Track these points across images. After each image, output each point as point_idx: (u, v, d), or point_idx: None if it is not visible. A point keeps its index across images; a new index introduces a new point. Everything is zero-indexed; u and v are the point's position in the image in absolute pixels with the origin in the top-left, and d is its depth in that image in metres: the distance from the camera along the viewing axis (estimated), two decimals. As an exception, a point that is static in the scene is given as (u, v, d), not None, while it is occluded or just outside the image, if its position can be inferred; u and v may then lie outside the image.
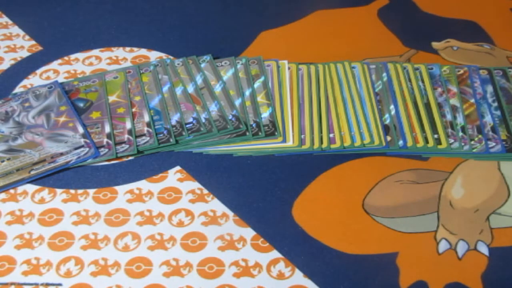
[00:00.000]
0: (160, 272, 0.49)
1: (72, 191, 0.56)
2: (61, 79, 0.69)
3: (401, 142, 0.59)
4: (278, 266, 0.49)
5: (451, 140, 0.59)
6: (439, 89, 0.65)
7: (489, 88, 0.65)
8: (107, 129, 0.60)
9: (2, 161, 0.57)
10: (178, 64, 0.68)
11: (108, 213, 0.54)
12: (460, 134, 0.59)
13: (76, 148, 0.58)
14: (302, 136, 0.60)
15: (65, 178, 0.57)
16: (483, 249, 0.50)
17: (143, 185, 0.56)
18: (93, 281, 0.48)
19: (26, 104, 0.63)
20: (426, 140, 0.59)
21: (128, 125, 0.60)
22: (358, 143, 0.59)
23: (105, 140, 0.59)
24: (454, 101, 0.63)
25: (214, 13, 0.80)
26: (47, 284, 0.48)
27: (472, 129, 0.60)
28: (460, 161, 0.58)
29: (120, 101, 0.63)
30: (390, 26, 0.77)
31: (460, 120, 0.61)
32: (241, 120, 0.61)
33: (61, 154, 0.57)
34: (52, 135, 0.59)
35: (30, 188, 0.56)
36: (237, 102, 0.63)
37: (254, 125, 0.60)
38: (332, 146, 0.59)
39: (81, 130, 0.59)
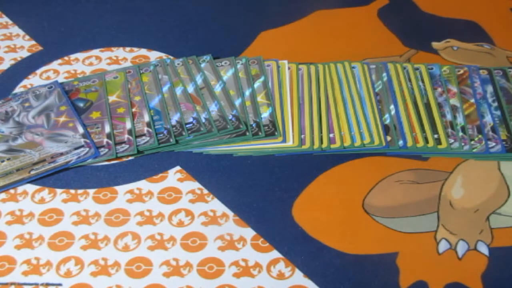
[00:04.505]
0: (160, 272, 0.49)
1: (72, 191, 0.56)
2: (61, 79, 0.69)
3: (401, 142, 0.59)
4: (278, 266, 0.49)
5: (451, 140, 0.59)
6: (439, 89, 0.65)
7: (489, 88, 0.65)
8: (107, 129, 0.60)
9: (2, 161, 0.57)
10: (178, 64, 0.68)
11: (108, 213, 0.54)
12: (460, 134, 0.59)
13: (76, 148, 0.58)
14: (302, 136, 0.60)
15: (65, 178, 0.57)
16: (483, 249, 0.50)
17: (143, 185, 0.56)
18: (93, 281, 0.48)
19: (26, 104, 0.63)
20: (426, 140, 0.59)
21: (128, 125, 0.60)
22: (358, 143, 0.59)
23: (105, 140, 0.59)
24: (454, 101, 0.63)
25: (214, 13, 0.80)
26: (47, 284, 0.48)
27: (472, 129, 0.60)
28: (460, 161, 0.58)
29: (120, 101, 0.63)
30: (390, 26, 0.77)
31: (460, 120, 0.61)
32: (241, 120, 0.61)
33: (61, 154, 0.57)
34: (52, 135, 0.59)
35: (30, 188, 0.56)
36: (237, 102, 0.63)
37: (254, 125, 0.60)
38: (332, 146, 0.59)
39: (81, 130, 0.59)
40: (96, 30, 0.77)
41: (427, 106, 0.62)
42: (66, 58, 0.72)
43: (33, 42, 0.75)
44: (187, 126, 0.60)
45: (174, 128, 0.60)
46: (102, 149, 0.58)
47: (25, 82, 0.69)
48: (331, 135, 0.60)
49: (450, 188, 0.55)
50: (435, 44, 0.73)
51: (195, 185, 0.56)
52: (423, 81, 0.66)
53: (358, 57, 0.70)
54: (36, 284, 0.48)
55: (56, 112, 0.62)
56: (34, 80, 0.69)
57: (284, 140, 0.59)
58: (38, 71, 0.70)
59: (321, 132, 0.60)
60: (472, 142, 0.59)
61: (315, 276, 0.48)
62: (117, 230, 0.52)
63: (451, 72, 0.67)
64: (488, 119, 0.61)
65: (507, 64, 0.69)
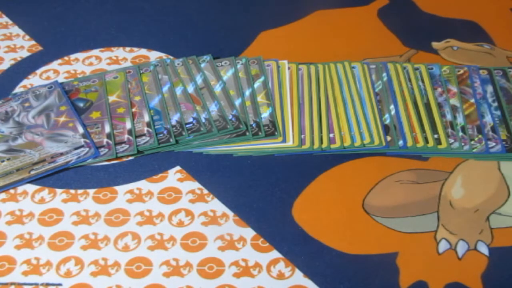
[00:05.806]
0: (160, 272, 0.49)
1: (72, 191, 0.56)
2: (61, 79, 0.69)
3: (401, 142, 0.59)
4: (278, 266, 0.49)
5: (451, 140, 0.59)
6: (439, 89, 0.65)
7: (489, 88, 0.65)
8: (107, 129, 0.60)
9: (2, 161, 0.57)
10: (178, 64, 0.68)
11: (108, 213, 0.54)
12: (460, 134, 0.59)
13: (76, 148, 0.58)
14: (302, 136, 0.60)
15: (65, 178, 0.57)
16: (483, 249, 0.50)
17: (143, 185, 0.56)
18: (93, 281, 0.48)
19: (26, 104, 0.63)
20: (426, 140, 0.59)
21: (128, 125, 0.60)
22: (358, 143, 0.59)
23: (105, 140, 0.59)
24: (454, 101, 0.63)
25: (214, 13, 0.80)
26: (47, 284, 0.48)
27: (472, 129, 0.60)
28: (460, 161, 0.58)
29: (120, 101, 0.63)
30: (390, 26, 0.77)
31: (460, 120, 0.61)
32: (241, 120, 0.61)
33: (61, 154, 0.57)
34: (52, 135, 0.59)
35: (30, 188, 0.56)
36: (237, 102, 0.63)
37: (254, 125, 0.60)
38: (332, 146, 0.59)
39: (81, 130, 0.59)
40: (96, 30, 0.77)
41: (427, 106, 0.62)
42: (66, 58, 0.72)
43: (33, 42, 0.75)
44: (187, 126, 0.60)
45: (174, 128, 0.60)
46: (102, 149, 0.58)
47: (25, 82, 0.69)
48: (331, 135, 0.60)
49: (450, 188, 0.55)
50: (435, 44, 0.73)
51: (195, 185, 0.56)
52: (423, 81, 0.66)
53: (358, 57, 0.70)
54: (36, 284, 0.48)
55: (56, 112, 0.62)
56: (34, 80, 0.69)
57: (284, 140, 0.59)
58: (38, 71, 0.70)
59: (321, 132, 0.60)
60: (472, 142, 0.59)
61: (315, 276, 0.48)
62: (117, 230, 0.52)
63: (451, 72, 0.67)
64: (488, 119, 0.61)
65: (507, 64, 0.69)
